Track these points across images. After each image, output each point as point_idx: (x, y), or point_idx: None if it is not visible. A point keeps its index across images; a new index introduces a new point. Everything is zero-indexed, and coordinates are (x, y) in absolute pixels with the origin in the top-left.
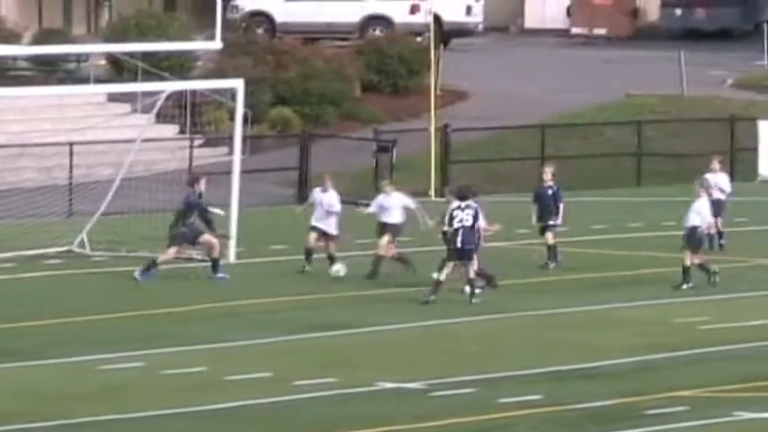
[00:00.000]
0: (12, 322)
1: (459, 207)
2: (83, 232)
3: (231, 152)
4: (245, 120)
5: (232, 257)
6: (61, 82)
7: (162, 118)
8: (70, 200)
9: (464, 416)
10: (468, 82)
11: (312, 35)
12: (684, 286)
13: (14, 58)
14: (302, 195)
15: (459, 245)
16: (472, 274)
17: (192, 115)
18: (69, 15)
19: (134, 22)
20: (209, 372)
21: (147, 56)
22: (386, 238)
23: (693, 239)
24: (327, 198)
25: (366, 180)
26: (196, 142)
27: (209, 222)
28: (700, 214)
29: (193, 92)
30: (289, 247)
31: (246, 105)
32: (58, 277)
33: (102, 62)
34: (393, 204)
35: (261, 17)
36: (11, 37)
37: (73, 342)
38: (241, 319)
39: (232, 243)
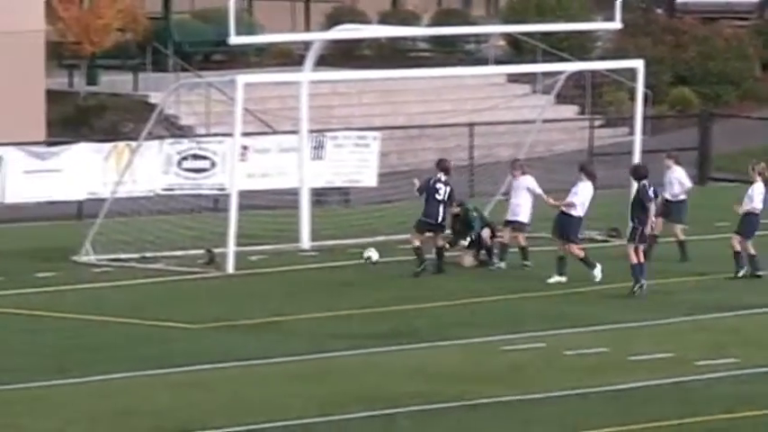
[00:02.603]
0: (410, 303)
1: None
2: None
3: (632, 132)
4: (646, 100)
5: None
6: (461, 63)
7: (562, 98)
8: (471, 180)
9: None
10: None
11: (711, 14)
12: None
13: (414, 40)
14: (703, 175)
15: None
16: None
17: (593, 96)
18: None
19: (534, 2)
20: (610, 352)
21: (546, 36)
22: None
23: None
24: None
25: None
26: (596, 123)
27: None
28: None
29: (593, 72)
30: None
31: (646, 85)
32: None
33: (502, 43)
34: None
35: None
36: (410, 18)
37: (476, 323)
38: (639, 300)
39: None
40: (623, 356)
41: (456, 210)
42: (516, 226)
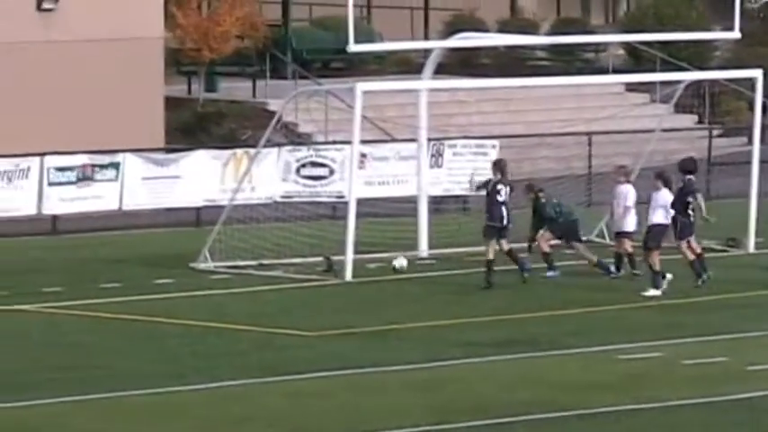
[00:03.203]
0: (530, 312)
1: None
2: (601, 222)
3: (750, 142)
4: (764, 109)
5: (751, 248)
6: (579, 72)
7: (680, 108)
8: (589, 189)
9: None
10: None
11: None
12: None
13: (533, 48)
14: None
15: None
16: None
17: (711, 105)
18: (587, 5)
19: (652, 11)
20: (729, 362)
21: (664, 45)
22: None
23: None
24: None
25: None
26: (715, 132)
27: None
28: None
29: (712, 82)
30: None
31: (765, 95)
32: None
33: (620, 52)
34: None
35: None
36: (529, 26)
37: (593, 332)
38: (760, 310)
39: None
40: (742, 366)
41: (531, 195)
42: (625, 236)
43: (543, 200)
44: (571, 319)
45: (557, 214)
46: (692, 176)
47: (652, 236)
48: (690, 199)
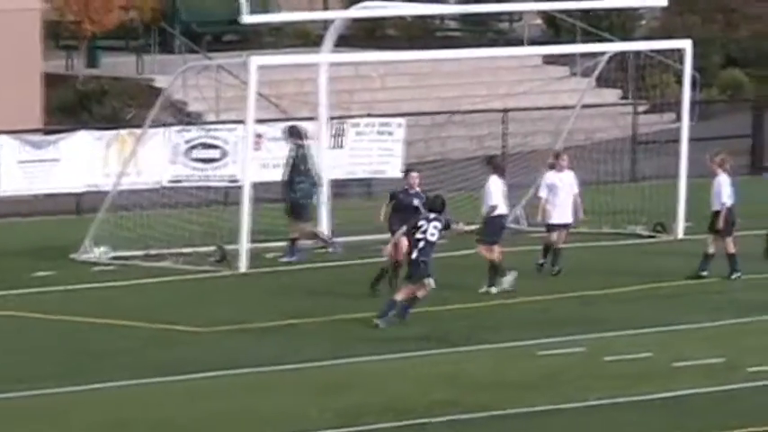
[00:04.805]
0: (440, 304)
1: None
2: (518, 206)
3: (679, 119)
4: (694, 84)
5: (680, 233)
6: (493, 43)
7: (603, 82)
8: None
9: None
10: None
11: None
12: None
13: (443, 18)
14: (756, 165)
15: None
16: None
17: (636, 79)
18: None
19: None
20: (654, 357)
21: (586, 14)
22: None
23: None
24: None
25: None
26: (640, 108)
27: None
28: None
29: (637, 54)
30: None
31: (695, 68)
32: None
33: (538, 21)
34: None
35: None
36: None
37: (506, 326)
38: (688, 300)
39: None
40: (667, 362)
41: None
42: (565, 227)
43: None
44: (487, 312)
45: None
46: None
47: (489, 230)
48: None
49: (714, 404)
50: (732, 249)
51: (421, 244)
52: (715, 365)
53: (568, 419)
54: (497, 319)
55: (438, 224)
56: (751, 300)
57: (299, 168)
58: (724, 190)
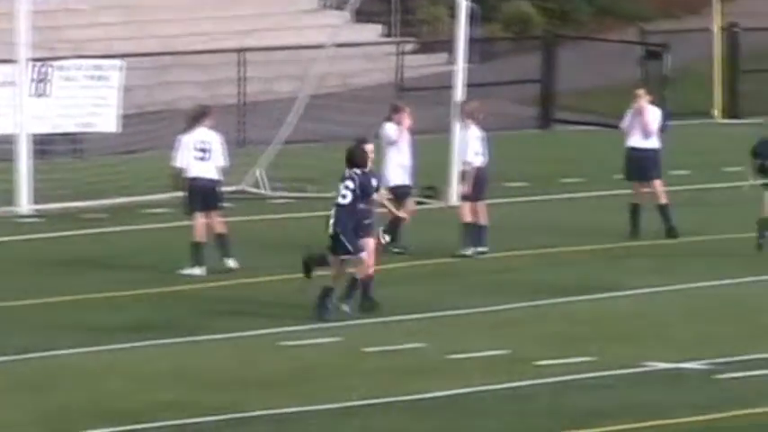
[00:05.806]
0: (165, 285)
1: None
2: (258, 167)
3: (453, 60)
4: (472, 17)
5: (454, 199)
6: None
7: (361, 16)
8: (242, 124)
9: (759, 406)
10: None
11: None
12: None
13: None
14: (545, 116)
15: None
16: None
17: (401, 12)
18: None
19: None
20: (423, 348)
21: None
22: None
23: None
24: None
25: (628, 97)
26: (407, 47)
27: None
28: None
29: None
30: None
31: None
32: (230, 224)
33: None
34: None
35: None
36: None
37: (246, 311)
38: (460, 280)
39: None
40: (439, 355)
41: None
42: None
43: None
44: (224, 293)
45: None
46: None
47: None
48: None
49: (497, 404)
50: (470, 218)
51: (334, 210)
52: (496, 358)
53: (322, 423)
54: (236, 301)
55: (351, 183)
56: (543, 280)
57: None
58: (471, 145)
